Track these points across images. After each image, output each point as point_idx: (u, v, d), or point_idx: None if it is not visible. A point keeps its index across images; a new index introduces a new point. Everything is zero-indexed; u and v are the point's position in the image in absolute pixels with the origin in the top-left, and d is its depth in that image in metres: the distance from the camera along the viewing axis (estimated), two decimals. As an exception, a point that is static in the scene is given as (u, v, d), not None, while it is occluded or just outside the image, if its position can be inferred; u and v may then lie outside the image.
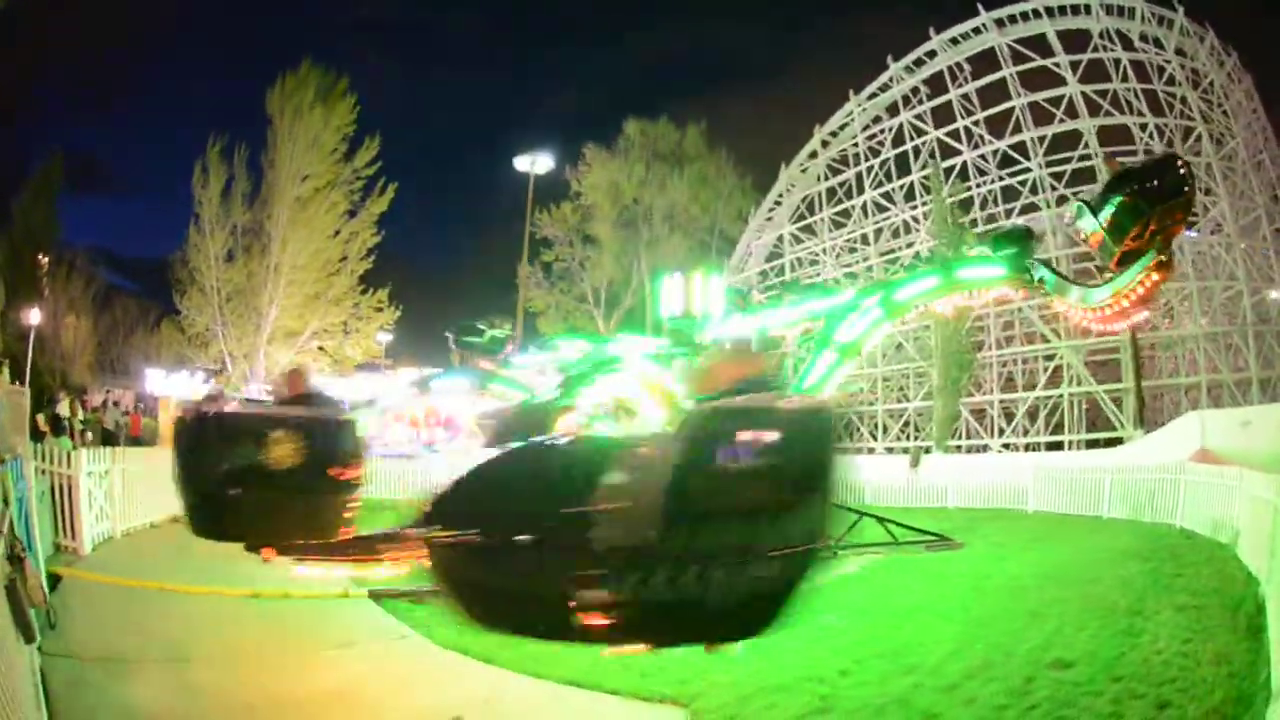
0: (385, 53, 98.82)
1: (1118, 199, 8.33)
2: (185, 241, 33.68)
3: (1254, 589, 8.00)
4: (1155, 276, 8.43)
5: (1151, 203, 8.06)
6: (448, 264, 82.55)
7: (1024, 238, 10.93)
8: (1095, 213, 8.66)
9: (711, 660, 6.43)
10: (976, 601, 8.65)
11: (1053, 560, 11.03)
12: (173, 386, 32.34)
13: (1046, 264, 10.65)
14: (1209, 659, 6.01)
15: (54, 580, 7.66)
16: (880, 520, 12.82)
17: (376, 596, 8.53)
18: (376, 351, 37.50)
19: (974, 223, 30.61)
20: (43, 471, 9.65)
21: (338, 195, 34.59)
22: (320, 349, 35.30)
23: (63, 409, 22.95)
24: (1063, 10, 29.83)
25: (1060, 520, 16.25)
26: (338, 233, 34.71)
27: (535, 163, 32.27)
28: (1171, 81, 29.05)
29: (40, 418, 20.16)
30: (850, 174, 37.78)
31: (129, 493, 11.66)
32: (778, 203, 41.13)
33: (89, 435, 22.74)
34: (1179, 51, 29.29)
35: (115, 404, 28.76)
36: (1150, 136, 28.32)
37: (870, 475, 22.26)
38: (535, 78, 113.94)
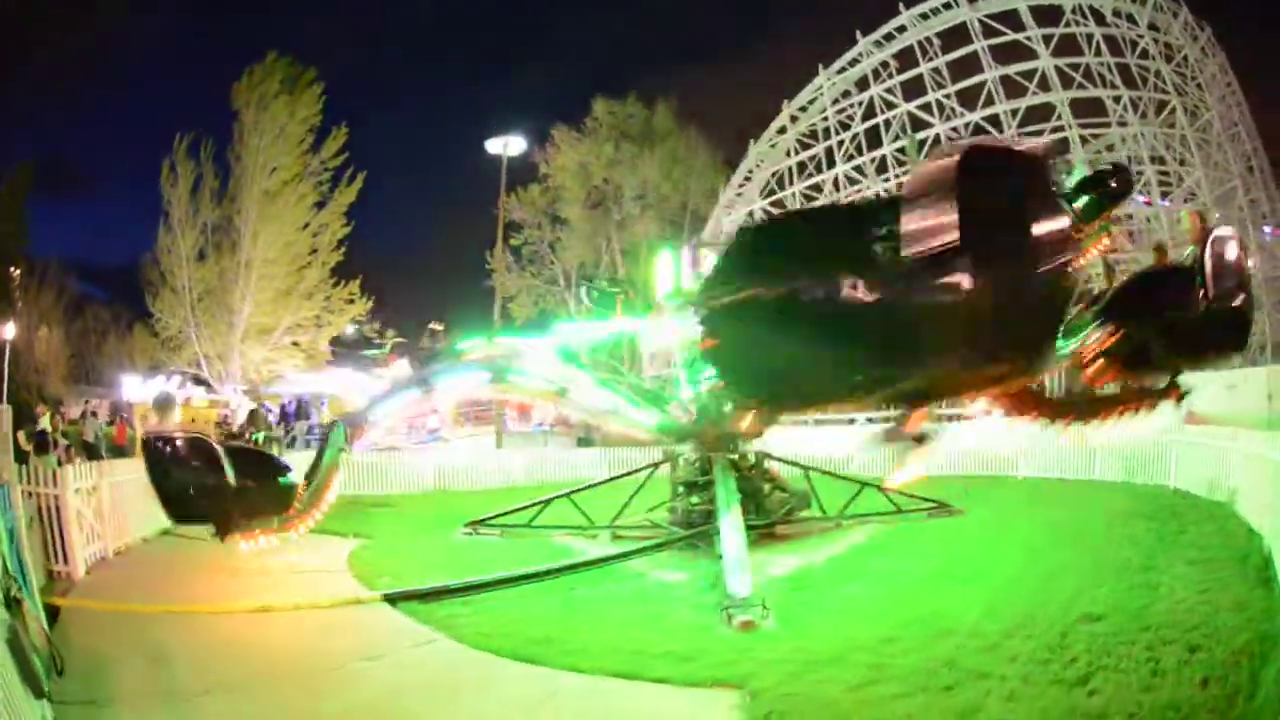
0: (346, 38, 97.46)
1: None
2: (155, 242, 33.45)
3: (1258, 543, 8.50)
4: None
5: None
6: (415, 252, 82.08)
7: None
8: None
9: (752, 640, 6.75)
10: (993, 564, 9.00)
11: (1057, 522, 11.41)
12: (151, 392, 32.27)
13: None
14: (1228, 606, 6.46)
15: (52, 613, 7.36)
16: (880, 489, 13.19)
17: (393, 600, 8.49)
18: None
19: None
20: (28, 494, 9.28)
21: (306, 187, 34.51)
22: (294, 344, 35.19)
23: (44, 424, 22.53)
24: (1034, -16, 30.13)
25: (1052, 485, 16.75)
26: (307, 225, 34.51)
27: (508, 145, 32.22)
28: (1145, 55, 29.45)
29: (21, 435, 19.85)
30: (820, 148, 37.90)
31: (118, 508, 11.31)
32: (747, 178, 41.18)
33: (73, 450, 22.19)
34: (1152, 26, 29.68)
35: (94, 414, 28.29)
36: (1124, 109, 28.85)
37: (854, 446, 22.65)
38: (500, 60, 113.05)
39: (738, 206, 40.91)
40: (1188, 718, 4.48)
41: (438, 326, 53.83)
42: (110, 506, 11.05)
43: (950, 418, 29.06)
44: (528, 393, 11.45)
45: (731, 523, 9.56)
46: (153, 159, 33.53)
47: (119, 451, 23.53)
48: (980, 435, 20.79)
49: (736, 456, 12.17)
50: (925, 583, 8.40)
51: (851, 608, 7.61)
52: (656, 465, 13.88)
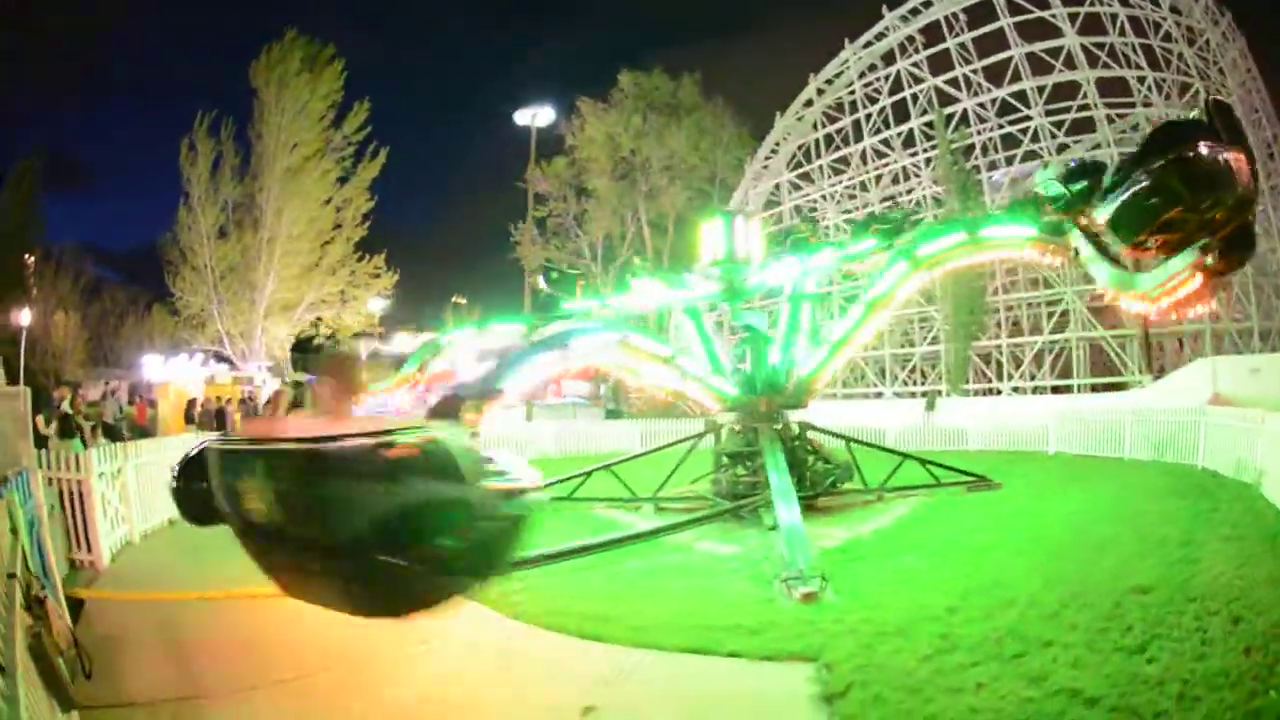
0: (369, 14, 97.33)
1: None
2: (175, 222, 34.04)
3: None
4: (1200, 276, 7.35)
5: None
6: (438, 227, 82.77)
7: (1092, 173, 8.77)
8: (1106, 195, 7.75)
9: (815, 612, 6.92)
10: (1040, 537, 9.40)
11: (1095, 497, 11.85)
12: (173, 372, 32.84)
13: (1088, 230, 8.82)
14: (1263, 581, 6.87)
15: (76, 607, 6.99)
16: (923, 463, 13.65)
17: None
18: (372, 319, 37.97)
19: (975, 169, 31.37)
20: (50, 481, 8.95)
21: (329, 162, 35.04)
22: (317, 320, 35.68)
23: (65, 406, 22.26)
24: (1058, -37, 30.17)
25: (1084, 461, 17.18)
26: (329, 201, 35.06)
27: (536, 116, 32.48)
28: (1168, 38, 29.73)
29: (40, 419, 19.96)
30: (847, 121, 38.28)
31: (144, 490, 10.95)
32: (774, 151, 41.57)
33: (97, 433, 21.49)
34: (1174, 9, 30.00)
35: (113, 394, 28.78)
36: (1149, 89, 29.05)
37: (886, 420, 23.25)
38: (525, 33, 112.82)
39: (764, 179, 41.31)
40: (1235, 684, 4.87)
41: (460, 301, 54.24)
42: (136, 490, 10.71)
43: (983, 392, 29.74)
44: (644, 356, 11.26)
45: (785, 495, 9.80)
46: (167, 142, 34.18)
47: (140, 432, 23.88)
48: (1013, 412, 21.32)
49: (780, 427, 12.41)
50: (977, 554, 8.74)
51: (909, 579, 7.89)
52: (700, 436, 14.10)
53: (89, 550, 9.24)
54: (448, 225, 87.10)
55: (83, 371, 36.04)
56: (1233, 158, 6.41)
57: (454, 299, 56.03)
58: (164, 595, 7.99)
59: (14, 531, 5.44)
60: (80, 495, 9.34)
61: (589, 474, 13.65)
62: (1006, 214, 11.16)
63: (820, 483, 12.58)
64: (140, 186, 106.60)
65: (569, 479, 13.49)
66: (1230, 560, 7.66)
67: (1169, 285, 7.64)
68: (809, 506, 11.48)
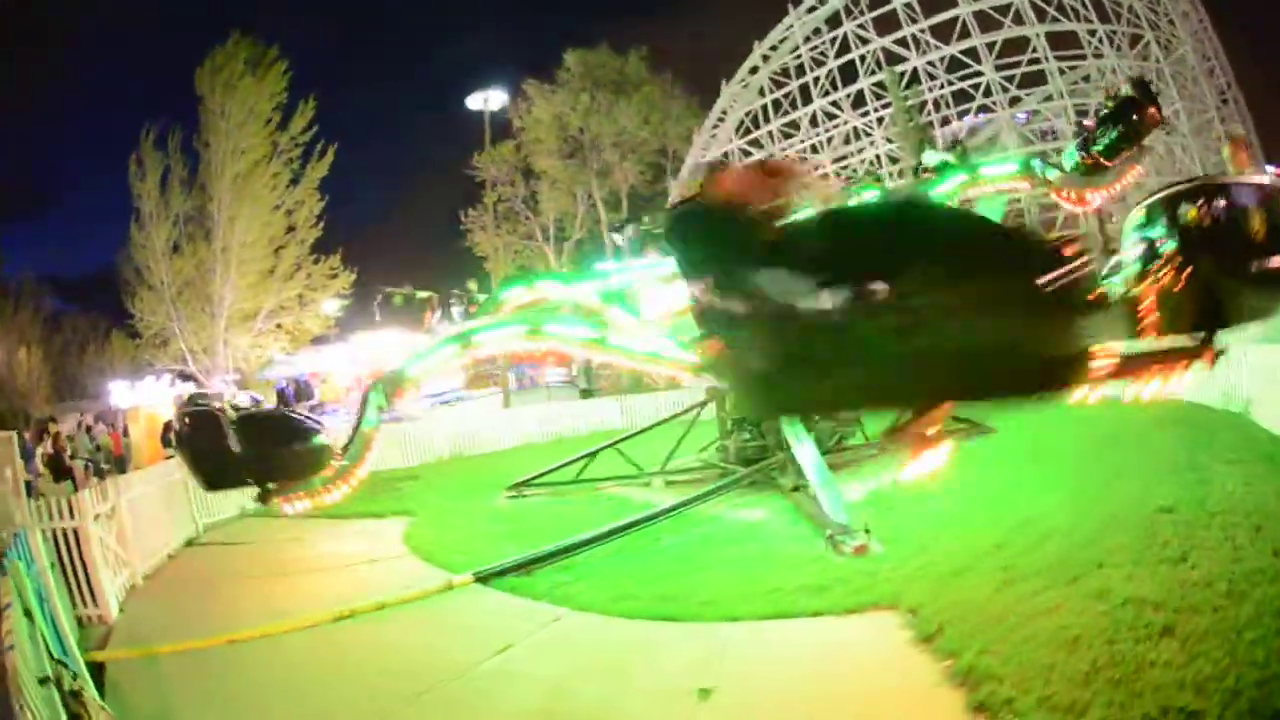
0: (305, 7, 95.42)
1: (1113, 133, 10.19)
2: (129, 241, 33.51)
3: None
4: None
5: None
6: (388, 221, 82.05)
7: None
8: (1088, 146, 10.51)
9: (872, 563, 7.37)
10: (1053, 473, 10.00)
11: (1091, 434, 12.27)
12: (141, 395, 32.49)
13: (1048, 161, 11.72)
14: (1273, 495, 7.67)
15: (96, 671, 6.39)
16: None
17: (484, 579, 8.23)
18: (329, 321, 37.72)
19: (930, 124, 32.25)
20: (45, 533, 8.30)
21: (278, 165, 34.62)
22: (278, 326, 35.48)
23: (48, 445, 20.91)
24: (1004, -81, 31.02)
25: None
26: (281, 205, 34.70)
27: (488, 100, 32.32)
28: (1118, -10, 30.82)
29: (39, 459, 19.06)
30: (794, 86, 39.02)
31: (139, 527, 10.41)
32: (721, 119, 42.13)
33: (90, 471, 21.01)
34: (1122, -40, 31.04)
35: (88, 429, 28.05)
36: (1100, 42, 30.15)
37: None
38: (465, 17, 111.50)
39: (713, 147, 41.81)
40: (1273, 580, 5.59)
41: (406, 291, 53.91)
42: (131, 528, 10.11)
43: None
44: (566, 342, 11.35)
45: (808, 454, 10.11)
46: (112, 162, 33.56)
47: (119, 462, 23.63)
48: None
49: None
50: (1000, 495, 9.28)
51: (947, 523, 8.38)
52: (702, 405, 14.04)
53: (94, 603, 8.57)
54: (396, 218, 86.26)
55: (49, 407, 35.29)
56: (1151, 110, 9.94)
57: (405, 290, 55.57)
58: (189, 645, 7.35)
59: (28, 614, 4.93)
60: (76, 543, 8.65)
61: (593, 455, 13.71)
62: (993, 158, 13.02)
63: (826, 440, 12.67)
64: (88, 210, 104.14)
65: (572, 462, 13.57)
66: (1238, 479, 8.42)
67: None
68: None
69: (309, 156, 35.18)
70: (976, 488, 9.74)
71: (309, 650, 6.90)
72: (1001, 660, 4.92)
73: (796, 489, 10.44)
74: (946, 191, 11.88)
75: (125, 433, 28.45)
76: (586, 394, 31.10)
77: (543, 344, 11.56)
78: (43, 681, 4.13)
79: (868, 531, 8.04)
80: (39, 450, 20.64)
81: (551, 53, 56.00)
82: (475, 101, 32.23)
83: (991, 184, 12.25)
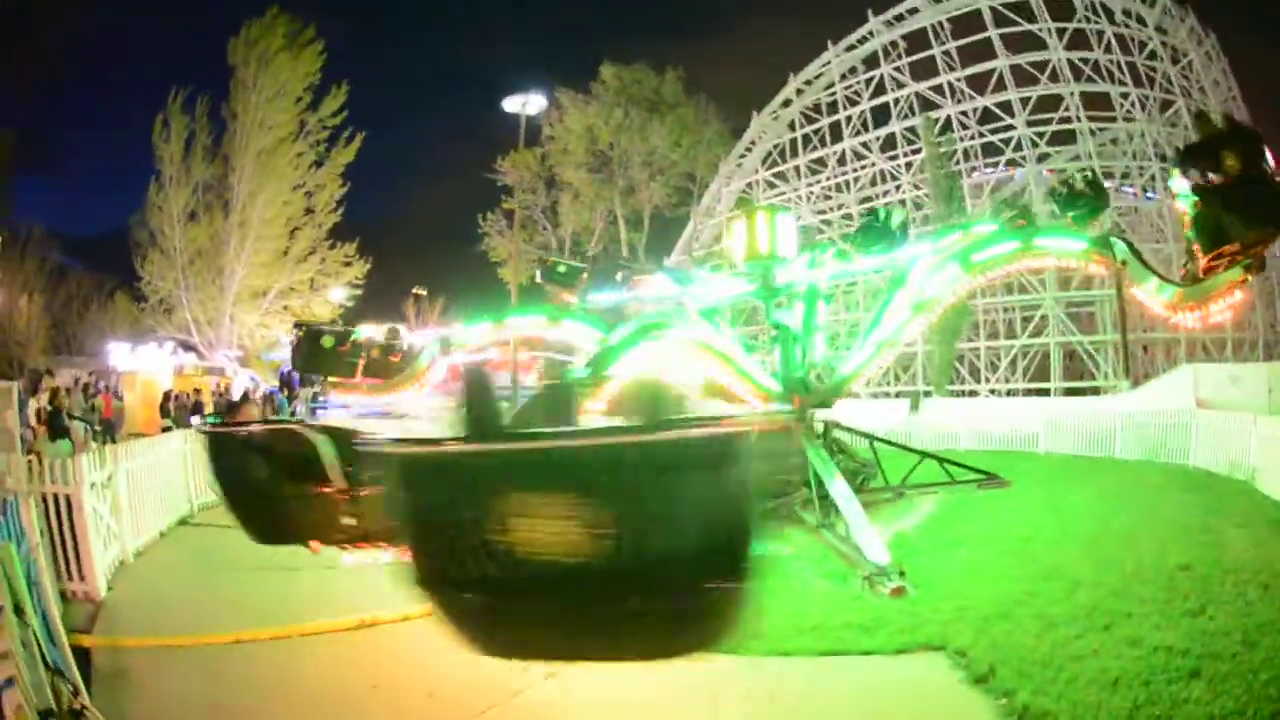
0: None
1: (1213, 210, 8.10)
2: (145, 203, 34.02)
3: None
4: (1238, 291, 8.62)
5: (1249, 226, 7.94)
6: (403, 215, 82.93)
7: (1096, 194, 10.54)
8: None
9: (912, 605, 7.56)
10: (1070, 529, 10.53)
11: (1105, 493, 13.10)
12: (141, 361, 32.30)
13: (1130, 245, 10.28)
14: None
15: (82, 657, 5.79)
16: (940, 461, 14.77)
17: None
18: (337, 310, 37.97)
19: (959, 174, 33.07)
20: (35, 497, 7.46)
21: (303, 145, 35.22)
22: (285, 308, 35.94)
23: (43, 399, 19.83)
24: (1047, -21, 32.09)
25: (1077, 461, 18.52)
26: (300, 185, 35.32)
27: (526, 104, 32.38)
28: (1152, 56, 31.90)
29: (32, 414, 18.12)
30: (825, 123, 39.82)
31: (135, 500, 9.77)
32: (749, 149, 42.87)
33: (89, 433, 20.23)
34: (1159, 29, 32.15)
35: (86, 386, 27.69)
36: (1131, 105, 31.13)
37: (868, 420, 24.40)
38: (503, 20, 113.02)
39: (737, 177, 42.52)
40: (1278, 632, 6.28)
41: (421, 292, 54.33)
42: (127, 500, 9.50)
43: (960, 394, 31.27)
44: (698, 347, 11.66)
45: (843, 492, 10.36)
46: (133, 124, 34.13)
47: (106, 425, 23.34)
48: (1001, 413, 22.73)
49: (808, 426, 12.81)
50: (1021, 546, 9.72)
51: (975, 570, 8.78)
52: None
53: (81, 579, 7.85)
54: (412, 214, 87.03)
55: (45, 359, 35.49)
56: None
57: (414, 290, 56.08)
58: (190, 640, 6.62)
59: (18, 611, 4.44)
60: (69, 510, 7.98)
61: None
62: (1057, 227, 11.66)
63: (849, 482, 12.40)
64: (104, 169, 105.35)
65: None
66: (1247, 541, 9.23)
67: (1209, 295, 8.73)
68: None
69: (335, 141, 35.83)
70: (996, 538, 10.22)
71: (329, 659, 6.39)
72: (1053, 699, 5.37)
73: (820, 526, 10.70)
74: (994, 256, 11.55)
75: (119, 396, 28.38)
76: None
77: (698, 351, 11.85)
78: (45, 716, 3.90)
79: (902, 574, 8.26)
80: (32, 403, 19.75)
81: (587, 64, 56.93)
82: (513, 104, 32.37)
83: (1050, 257, 11.61)
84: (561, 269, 14.64)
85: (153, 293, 34.18)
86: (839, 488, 10.62)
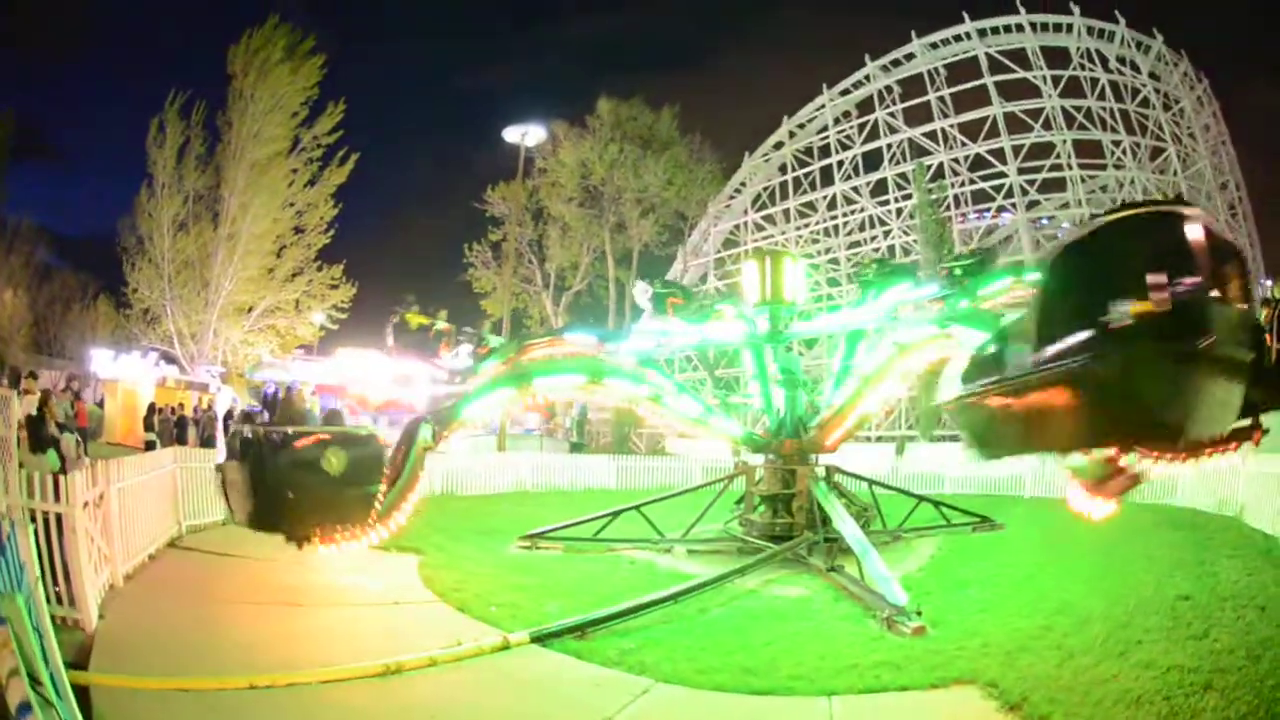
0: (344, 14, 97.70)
1: None
2: (134, 208, 33.87)
3: (1275, 543, 11.62)
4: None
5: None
6: (387, 242, 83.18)
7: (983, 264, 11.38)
8: None
9: (935, 642, 7.94)
10: (1071, 568, 11.00)
11: (1095, 532, 13.33)
12: (123, 369, 32.19)
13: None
14: (1273, 583, 9.29)
15: (81, 695, 4.99)
16: (937, 505, 15.22)
17: (542, 639, 7.72)
18: (320, 332, 37.99)
19: (948, 220, 33.94)
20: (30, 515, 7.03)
21: (297, 161, 35.29)
22: (270, 326, 35.96)
23: (30, 407, 19.10)
24: (1045, 27, 33.37)
25: (1062, 504, 18.67)
26: (292, 204, 35.40)
27: (526, 134, 32.45)
28: (1145, 103, 33.25)
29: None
30: (816, 166, 40.81)
31: (124, 520, 9.34)
32: (738, 190, 43.70)
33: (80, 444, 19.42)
34: (1153, 75, 33.60)
35: (66, 391, 27.13)
36: (1123, 153, 32.29)
37: (854, 465, 24.81)
38: (499, 54, 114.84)
39: (725, 218, 43.19)
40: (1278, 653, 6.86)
41: (410, 298, 54.25)
42: (118, 520, 9.05)
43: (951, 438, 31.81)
44: (620, 396, 12.10)
45: (856, 535, 10.69)
46: (127, 126, 34.17)
47: (81, 434, 22.93)
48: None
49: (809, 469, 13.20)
50: (1029, 582, 10.32)
51: (986, 608, 9.20)
52: (732, 478, 14.63)
53: (71, 604, 7.36)
54: (396, 242, 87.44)
55: (26, 357, 35.16)
56: None
57: (433, 316, 55.81)
58: (201, 683, 6.09)
59: (34, 681, 4.07)
60: (59, 530, 7.48)
61: (617, 514, 13.80)
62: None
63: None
64: (94, 170, 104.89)
65: (595, 519, 13.73)
66: (1240, 571, 9.96)
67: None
68: (844, 549, 11.40)
69: (329, 160, 35.98)
70: (1000, 577, 10.79)
71: (353, 710, 6.02)
72: (1085, 719, 5.93)
73: (831, 569, 10.85)
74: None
75: (99, 403, 28.36)
76: (577, 447, 31.59)
77: (597, 394, 12.21)
78: None
79: (919, 613, 8.58)
80: (16, 406, 19.02)
81: (582, 98, 57.62)
82: (513, 135, 32.72)
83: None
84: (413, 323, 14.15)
85: (137, 300, 34.02)
86: (851, 530, 10.99)
